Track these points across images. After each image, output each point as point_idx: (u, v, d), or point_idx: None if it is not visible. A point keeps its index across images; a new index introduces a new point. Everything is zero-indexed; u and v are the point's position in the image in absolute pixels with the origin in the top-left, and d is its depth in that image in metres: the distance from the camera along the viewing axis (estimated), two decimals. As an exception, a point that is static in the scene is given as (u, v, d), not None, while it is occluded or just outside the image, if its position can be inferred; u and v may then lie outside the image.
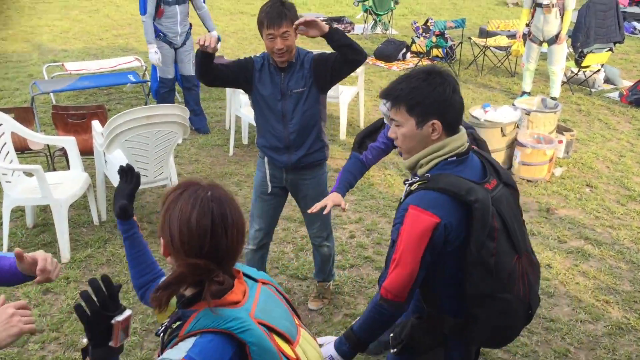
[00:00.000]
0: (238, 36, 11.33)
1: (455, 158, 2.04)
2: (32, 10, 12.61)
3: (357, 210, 5.07)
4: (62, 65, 7.83)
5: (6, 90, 7.82)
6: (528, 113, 5.93)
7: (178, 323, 1.46)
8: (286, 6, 3.11)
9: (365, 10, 11.20)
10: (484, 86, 8.52)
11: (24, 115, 4.95)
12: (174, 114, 4.26)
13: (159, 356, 1.42)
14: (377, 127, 3.20)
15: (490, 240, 1.95)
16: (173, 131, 4.31)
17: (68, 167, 4.77)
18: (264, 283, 1.59)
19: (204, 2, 6.45)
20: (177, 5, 6.12)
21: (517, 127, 5.84)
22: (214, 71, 3.13)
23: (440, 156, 2.04)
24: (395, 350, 2.26)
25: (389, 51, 9.68)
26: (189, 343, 1.37)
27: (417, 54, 9.75)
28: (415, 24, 10.41)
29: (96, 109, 4.89)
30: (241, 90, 6.14)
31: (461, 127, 2.10)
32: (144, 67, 7.56)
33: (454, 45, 9.46)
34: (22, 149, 4.95)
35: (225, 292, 1.42)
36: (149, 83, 6.94)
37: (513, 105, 6.12)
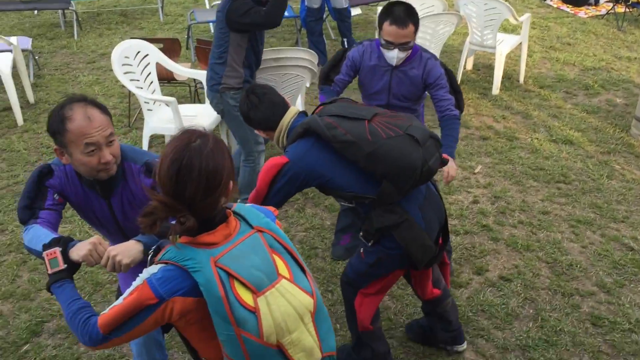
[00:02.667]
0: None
1: None
2: None
3: (489, 174, 5.13)
4: (224, -7, 8.55)
5: (171, 16, 8.76)
6: None
7: (158, 251, 1.83)
8: None
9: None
10: (689, 43, 7.79)
11: (171, 46, 5.64)
12: (302, 57, 4.63)
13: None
14: (338, 60, 3.70)
15: (334, 128, 2.72)
16: (300, 75, 4.69)
17: (206, 100, 5.41)
18: (259, 230, 1.85)
19: None
20: None
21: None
22: None
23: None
24: (371, 242, 2.87)
25: (579, -7, 9.13)
26: (155, 268, 1.75)
27: (614, -2, 9.07)
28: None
29: (236, 46, 5.42)
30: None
31: None
32: None
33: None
34: (168, 78, 5.67)
35: (191, 234, 1.74)
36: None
37: None
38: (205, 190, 1.72)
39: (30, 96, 6.18)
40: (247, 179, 4.37)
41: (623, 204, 4.71)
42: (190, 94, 6.16)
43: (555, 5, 9.23)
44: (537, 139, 5.64)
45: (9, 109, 5.91)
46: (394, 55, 3.45)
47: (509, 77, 6.84)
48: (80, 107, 2.17)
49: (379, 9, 6.73)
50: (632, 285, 3.91)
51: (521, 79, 6.76)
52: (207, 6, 8.52)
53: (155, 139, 5.45)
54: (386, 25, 3.36)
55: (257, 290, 1.74)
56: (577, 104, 6.31)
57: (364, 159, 2.70)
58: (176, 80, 5.70)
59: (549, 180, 5.02)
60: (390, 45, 3.40)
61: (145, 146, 5.03)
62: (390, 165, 2.69)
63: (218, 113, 4.25)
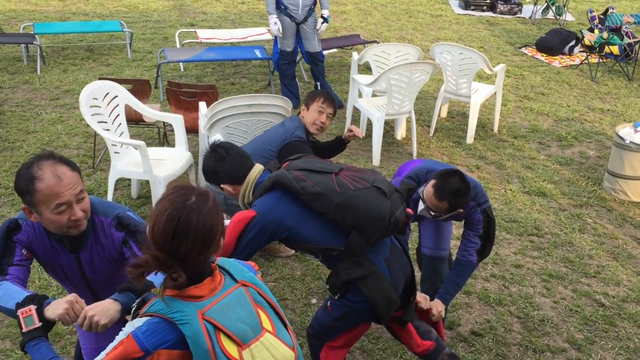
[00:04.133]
0: (386, 10, 11.73)
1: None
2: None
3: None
4: (195, 32, 8.77)
5: (139, 52, 8.92)
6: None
7: (143, 304, 1.91)
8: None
9: (536, -9, 11.06)
10: (661, 96, 8.20)
11: (141, 87, 5.78)
12: (275, 104, 4.81)
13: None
14: None
15: (302, 181, 2.89)
16: (273, 122, 4.86)
17: (175, 143, 5.54)
18: (244, 285, 1.95)
19: None
20: None
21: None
22: None
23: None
24: (338, 295, 3.01)
25: (553, 42, 9.57)
26: (140, 321, 1.81)
27: (588, 48, 9.51)
28: (591, 12, 10.12)
29: (207, 89, 5.59)
30: (363, 80, 6.61)
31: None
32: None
33: (635, 42, 9.11)
34: (137, 120, 5.80)
35: (180, 288, 1.82)
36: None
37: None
38: (200, 248, 1.82)
39: (-10, 134, 6.24)
40: None
41: (595, 258, 4.94)
42: (159, 136, 6.28)
43: (529, 54, 9.64)
44: (511, 190, 5.88)
45: (-34, 146, 5.95)
46: (422, 211, 3.49)
47: (483, 126, 7.12)
48: (49, 165, 2.22)
49: (354, 53, 6.99)
50: (602, 342, 4.09)
51: (495, 128, 7.04)
52: (178, 44, 8.71)
53: (120, 181, 5.53)
54: (429, 185, 3.36)
55: (242, 343, 1.84)
56: (550, 155, 6.60)
57: (333, 210, 2.86)
58: (145, 121, 5.83)
59: (522, 232, 5.23)
60: (423, 201, 3.44)
61: (110, 190, 5.12)
62: (359, 215, 2.86)
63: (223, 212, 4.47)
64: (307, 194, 2.87)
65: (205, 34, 8.63)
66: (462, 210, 3.41)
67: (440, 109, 7.05)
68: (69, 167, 2.28)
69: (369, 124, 6.69)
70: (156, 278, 2.04)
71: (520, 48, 9.93)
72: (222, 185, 3.17)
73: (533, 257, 4.93)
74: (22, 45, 8.32)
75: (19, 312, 2.05)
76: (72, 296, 2.13)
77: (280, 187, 2.94)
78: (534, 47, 9.84)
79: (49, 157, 2.26)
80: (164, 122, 5.99)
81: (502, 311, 4.33)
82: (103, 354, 1.82)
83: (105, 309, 2.11)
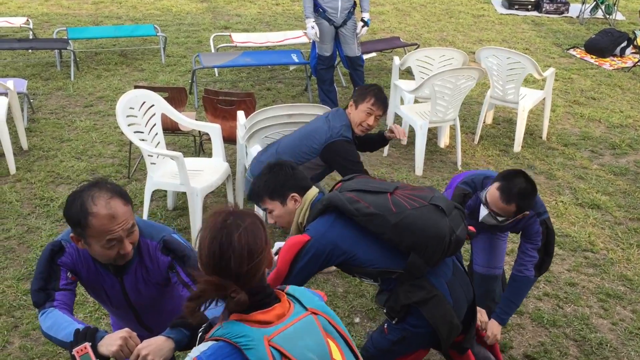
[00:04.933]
0: (426, 10, 11.61)
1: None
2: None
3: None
4: (230, 35, 8.77)
5: (173, 57, 8.95)
6: None
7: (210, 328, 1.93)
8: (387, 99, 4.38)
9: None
10: None
11: (178, 95, 5.78)
12: (315, 114, 4.75)
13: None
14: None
15: (356, 202, 2.83)
16: (314, 132, 4.80)
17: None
18: (314, 313, 1.95)
19: None
20: None
21: None
22: None
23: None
24: (396, 319, 2.94)
25: (604, 44, 9.35)
26: (205, 346, 1.83)
27: (641, 49, 9.30)
28: (644, 11, 9.88)
29: (245, 97, 5.56)
30: (405, 86, 6.54)
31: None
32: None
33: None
34: (173, 129, 5.80)
35: (242, 308, 1.84)
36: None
37: None
38: (249, 259, 1.85)
39: (24, 143, 6.29)
40: None
41: (655, 276, 4.78)
42: (194, 144, 6.27)
43: (578, 56, 9.44)
44: (562, 201, 5.73)
45: (0, 155, 6.01)
46: (485, 218, 3.41)
47: (531, 133, 6.98)
48: (104, 200, 2.24)
49: (395, 57, 6.90)
50: (666, 369, 3.95)
51: (544, 136, 6.89)
52: (212, 49, 8.72)
53: (156, 192, 5.53)
54: (492, 188, 3.31)
55: None
56: (603, 165, 6.43)
57: (390, 231, 2.79)
58: (180, 130, 5.82)
59: (575, 248, 5.09)
60: (486, 204, 3.37)
61: (147, 201, 5.11)
62: (417, 235, 2.79)
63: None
64: (362, 215, 2.80)
65: (240, 38, 8.63)
66: (527, 213, 3.34)
67: (485, 116, 6.92)
68: (123, 201, 2.29)
69: (411, 132, 6.60)
70: (211, 312, 2.02)
71: (568, 50, 9.73)
72: (268, 206, 3.06)
73: (588, 275, 4.79)
74: (56, 50, 8.40)
75: (74, 352, 2.07)
76: (125, 331, 2.13)
77: (333, 210, 2.87)
78: (583, 48, 9.63)
79: (102, 188, 2.28)
80: (199, 131, 5.98)
81: (556, 333, 4.21)
82: None
83: (158, 348, 2.11)
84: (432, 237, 2.79)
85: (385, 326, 3.05)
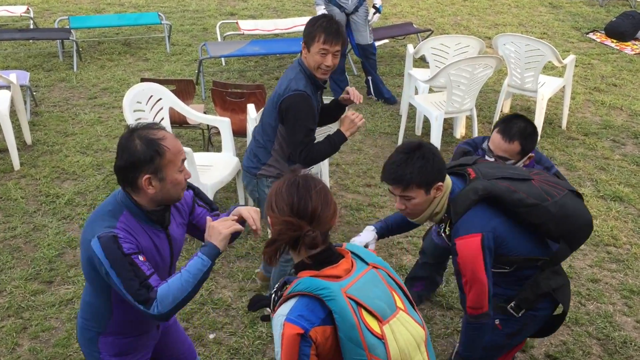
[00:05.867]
0: (439, -6, 11.57)
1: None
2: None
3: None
4: (237, 23, 8.76)
5: (179, 45, 8.96)
6: None
7: (284, 286, 2.16)
8: (341, 26, 3.72)
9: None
10: None
11: (185, 88, 5.79)
12: (326, 105, 4.74)
13: (273, 314, 2.14)
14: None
15: (515, 192, 2.88)
16: (328, 125, 4.80)
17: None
18: (375, 267, 2.19)
19: None
20: None
21: None
22: None
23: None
24: (524, 310, 3.07)
25: (625, 27, 9.30)
26: (288, 306, 2.05)
27: (663, 32, 9.24)
28: (667, -8, 9.81)
29: (255, 89, 5.56)
30: (419, 75, 6.52)
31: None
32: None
33: None
34: (180, 122, 5.81)
35: (317, 246, 2.09)
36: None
37: None
38: (324, 202, 2.11)
39: (28, 137, 6.32)
40: (276, 278, 4.25)
41: (681, 272, 4.77)
42: (202, 137, 6.28)
43: (598, 40, 9.39)
44: (583, 194, 5.72)
45: (4, 150, 6.05)
46: None
47: (550, 122, 6.95)
48: (155, 130, 2.44)
49: (408, 45, 6.89)
50: (694, 368, 3.95)
51: (564, 125, 6.87)
52: (219, 38, 8.72)
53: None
54: (493, 134, 3.44)
55: (382, 319, 2.07)
56: (626, 155, 6.41)
57: (550, 221, 2.91)
58: (188, 123, 5.84)
59: (598, 242, 5.08)
60: (490, 153, 3.45)
61: (155, 198, 5.13)
62: (572, 223, 2.94)
63: (254, 200, 4.26)
64: (524, 207, 2.88)
65: (247, 25, 8.62)
66: (532, 155, 3.46)
67: (502, 105, 6.91)
68: None
69: (426, 122, 6.59)
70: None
71: (587, 34, 9.68)
72: (411, 194, 2.86)
73: (611, 271, 4.79)
74: (58, 40, 8.42)
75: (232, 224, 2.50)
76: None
77: (484, 200, 2.90)
78: (603, 32, 9.57)
79: (145, 126, 2.46)
80: (208, 124, 6.00)
81: (579, 331, 4.22)
82: (277, 356, 2.04)
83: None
84: (584, 225, 2.97)
85: (498, 322, 3.13)
